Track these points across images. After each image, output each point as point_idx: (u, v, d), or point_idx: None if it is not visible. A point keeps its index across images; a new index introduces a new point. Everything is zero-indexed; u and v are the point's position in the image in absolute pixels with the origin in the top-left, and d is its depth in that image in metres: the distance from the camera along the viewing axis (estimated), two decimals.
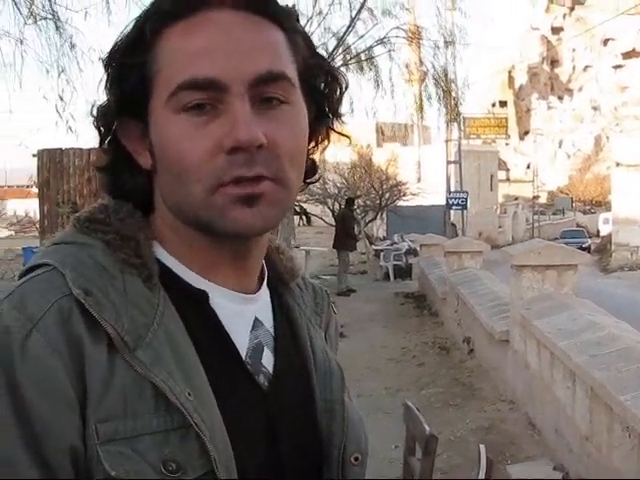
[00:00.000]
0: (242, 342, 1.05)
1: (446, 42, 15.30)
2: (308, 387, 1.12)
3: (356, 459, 1.13)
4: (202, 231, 1.00)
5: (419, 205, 34.12)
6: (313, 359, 1.14)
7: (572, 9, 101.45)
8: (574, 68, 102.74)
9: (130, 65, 0.99)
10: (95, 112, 1.04)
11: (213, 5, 0.98)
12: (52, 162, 11.08)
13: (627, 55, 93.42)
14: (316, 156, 1.13)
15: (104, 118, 1.03)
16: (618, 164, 40.63)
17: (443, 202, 35.36)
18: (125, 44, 1.00)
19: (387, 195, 31.03)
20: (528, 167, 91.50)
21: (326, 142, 1.12)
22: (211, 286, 1.03)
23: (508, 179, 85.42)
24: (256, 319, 1.08)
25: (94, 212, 1.04)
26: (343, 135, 1.18)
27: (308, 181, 1.11)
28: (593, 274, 30.32)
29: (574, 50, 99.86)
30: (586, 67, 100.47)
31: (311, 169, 1.10)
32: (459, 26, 16.18)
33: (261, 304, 1.10)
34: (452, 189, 36.76)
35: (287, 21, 1.03)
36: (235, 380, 1.02)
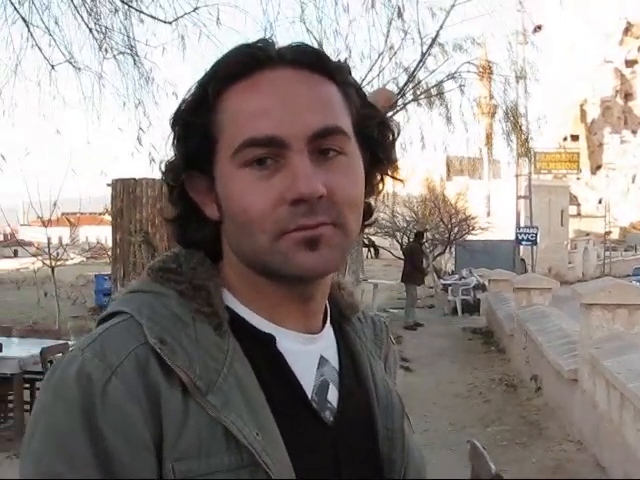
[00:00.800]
0: (308, 381, 1.09)
1: (517, 77, 15.25)
2: (370, 418, 1.17)
3: None
4: (268, 276, 1.06)
5: (488, 240, 33.86)
6: (375, 391, 1.19)
7: None
8: None
9: (195, 125, 1.06)
10: (163, 167, 1.12)
11: (269, 65, 1.05)
12: (125, 191, 11.34)
13: None
14: (372, 200, 1.19)
15: (172, 173, 1.11)
16: None
17: (512, 237, 35.02)
18: (189, 105, 1.07)
19: (456, 229, 30.91)
20: (600, 202, 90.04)
21: (381, 186, 1.18)
22: (278, 329, 1.09)
23: (579, 214, 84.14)
24: (321, 357, 1.13)
25: (167, 261, 1.11)
26: (397, 179, 1.24)
27: (366, 223, 1.16)
28: None
29: None
30: None
31: (367, 212, 1.15)
32: (530, 61, 16.12)
33: (326, 342, 1.15)
34: (522, 224, 36.42)
35: (339, 75, 1.09)
36: (301, 418, 1.06)
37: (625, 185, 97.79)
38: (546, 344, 9.70)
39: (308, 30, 9.03)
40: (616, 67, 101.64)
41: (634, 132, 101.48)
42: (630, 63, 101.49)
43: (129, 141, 10.45)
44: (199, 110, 1.06)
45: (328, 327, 1.17)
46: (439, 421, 9.24)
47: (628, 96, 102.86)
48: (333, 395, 1.12)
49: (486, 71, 14.96)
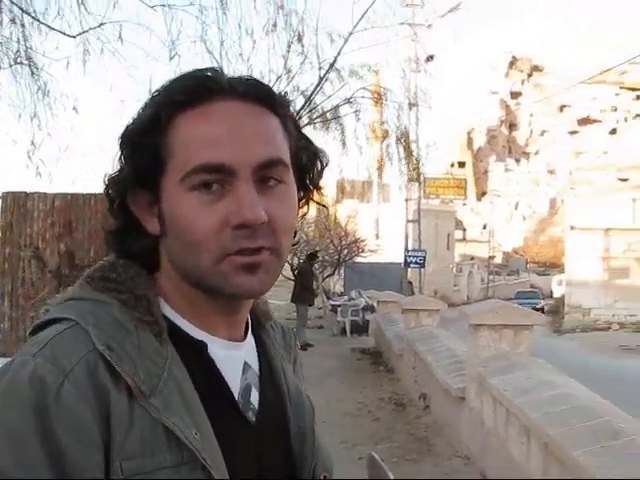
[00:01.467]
0: (235, 384, 1.20)
1: (410, 103, 15.65)
2: (284, 417, 1.28)
3: (324, 477, 1.31)
4: (204, 291, 1.15)
5: (376, 262, 34.39)
6: (287, 392, 1.31)
7: (530, 75, 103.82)
8: (531, 132, 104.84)
9: (145, 145, 1.13)
10: (107, 181, 1.19)
11: (221, 95, 1.13)
12: (16, 205, 11.04)
13: (582, 122, 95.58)
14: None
15: (116, 186, 1.17)
16: (572, 227, 41.42)
17: (400, 260, 35.64)
18: (141, 126, 1.14)
19: (345, 251, 31.29)
20: (484, 227, 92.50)
21: (305, 209, 1.30)
22: (208, 337, 1.18)
23: (464, 239, 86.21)
24: (245, 363, 1.23)
25: (105, 271, 1.18)
26: (322, 205, 1.41)
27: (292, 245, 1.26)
28: (546, 335, 30.69)
29: (532, 115, 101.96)
30: (543, 132, 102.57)
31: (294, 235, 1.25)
32: (423, 89, 16.59)
33: (248, 348, 1.26)
34: (410, 247, 37.12)
35: (282, 109, 1.19)
36: (229, 418, 1.17)
37: (509, 212, 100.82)
38: (435, 363, 9.96)
39: (209, 51, 9.07)
40: (502, 98, 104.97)
41: (517, 161, 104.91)
42: (515, 95, 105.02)
43: (22, 154, 10.26)
44: (150, 132, 1.13)
45: (250, 335, 1.28)
46: (330, 439, 9.30)
47: (512, 126, 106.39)
48: (255, 397, 1.22)
49: (380, 97, 15.32)
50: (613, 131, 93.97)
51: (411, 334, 12.90)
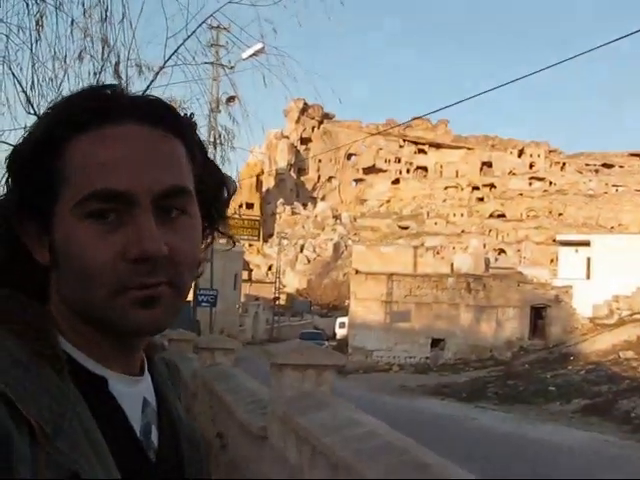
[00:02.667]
0: (136, 422, 1.12)
1: (214, 143, 15.73)
2: (179, 452, 1.21)
3: None
4: (99, 328, 1.07)
5: None
6: (180, 424, 1.24)
7: (321, 122, 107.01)
8: (319, 178, 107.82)
9: (35, 169, 1.04)
10: None
11: (120, 118, 1.05)
12: None
13: (367, 170, 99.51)
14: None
15: (2, 212, 1.08)
16: (357, 271, 42.80)
17: (189, 298, 35.40)
18: (31, 148, 1.06)
19: None
20: (270, 269, 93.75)
21: (209, 240, 1.22)
22: (107, 372, 1.09)
23: (250, 279, 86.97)
24: (144, 399, 1.16)
25: None
26: (229, 237, 1.29)
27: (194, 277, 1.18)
28: None
29: (320, 161, 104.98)
30: (330, 178, 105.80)
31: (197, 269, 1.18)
32: (227, 128, 16.75)
33: (146, 384, 1.19)
34: (200, 286, 36.99)
35: (187, 133, 1.12)
36: (133, 458, 1.10)
37: (294, 254, 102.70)
38: (234, 403, 9.98)
39: (14, 74, 8.77)
40: (292, 143, 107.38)
41: (305, 205, 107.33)
42: (305, 140, 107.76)
43: None
44: (41, 154, 1.05)
45: (146, 370, 1.21)
46: None
47: (301, 171, 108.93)
48: (154, 435, 1.15)
49: None
50: (396, 181, 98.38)
51: (207, 372, 12.85)
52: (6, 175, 1.08)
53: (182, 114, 1.15)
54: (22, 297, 1.07)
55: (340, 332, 56.28)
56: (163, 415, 1.20)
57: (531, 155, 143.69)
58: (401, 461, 5.14)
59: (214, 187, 1.18)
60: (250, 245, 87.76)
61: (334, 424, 6.54)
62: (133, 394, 1.13)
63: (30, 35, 9.02)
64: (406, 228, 56.34)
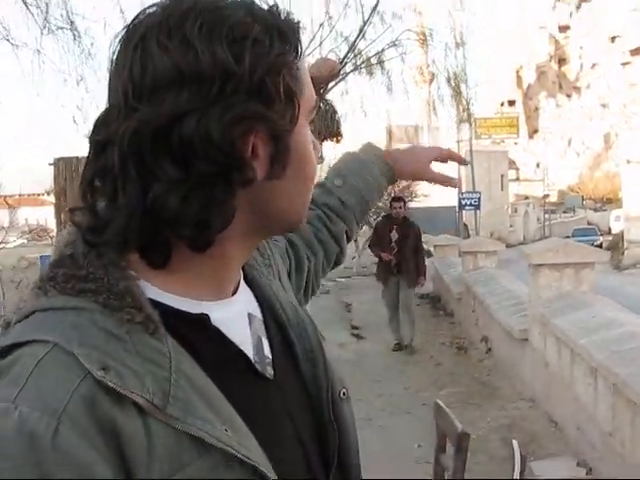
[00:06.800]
0: (247, 343, 1.07)
1: (457, 43, 15.35)
2: (289, 343, 1.17)
3: (343, 394, 1.19)
4: (270, 234, 1.16)
5: (430, 206, 34.13)
6: (284, 314, 1.18)
7: (579, 7, 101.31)
8: (582, 66, 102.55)
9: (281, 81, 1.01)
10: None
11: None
12: (68, 170, 11.13)
13: (635, 52, 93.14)
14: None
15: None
16: (628, 161, 40.57)
17: (453, 203, 35.33)
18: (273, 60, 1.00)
19: None
20: (538, 166, 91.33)
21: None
22: (206, 306, 1.02)
23: (518, 178, 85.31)
24: (249, 315, 1.10)
25: (69, 266, 0.97)
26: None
27: None
28: (606, 271, 30.23)
29: (582, 48, 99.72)
30: (594, 65, 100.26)
31: None
32: (469, 27, 16.21)
33: (246, 295, 1.13)
34: (463, 189, 36.80)
35: None
36: (251, 386, 1.05)
37: (561, 149, 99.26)
38: (495, 306, 9.86)
39: None
40: (550, 33, 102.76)
41: (569, 96, 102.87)
42: (563, 29, 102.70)
43: (71, 118, 10.30)
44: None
45: (241, 281, 1.14)
46: (393, 385, 9.36)
47: (562, 61, 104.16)
48: (267, 348, 1.10)
49: (426, 38, 15.03)
50: None
51: (470, 277, 12.80)
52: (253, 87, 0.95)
53: None
54: (100, 248, 0.96)
55: (615, 226, 53.84)
56: (269, 321, 1.15)
57: None
58: None
59: None
60: (515, 143, 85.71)
61: (593, 325, 6.25)
62: (237, 315, 1.08)
63: None
64: None
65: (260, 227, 1.04)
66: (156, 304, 0.96)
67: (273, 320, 1.16)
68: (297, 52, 1.01)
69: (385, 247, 11.62)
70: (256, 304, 1.14)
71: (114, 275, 0.94)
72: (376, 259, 12.49)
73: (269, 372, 1.08)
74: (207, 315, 1.01)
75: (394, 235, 11.64)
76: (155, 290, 0.98)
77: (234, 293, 1.09)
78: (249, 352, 1.06)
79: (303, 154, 1.04)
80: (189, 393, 0.92)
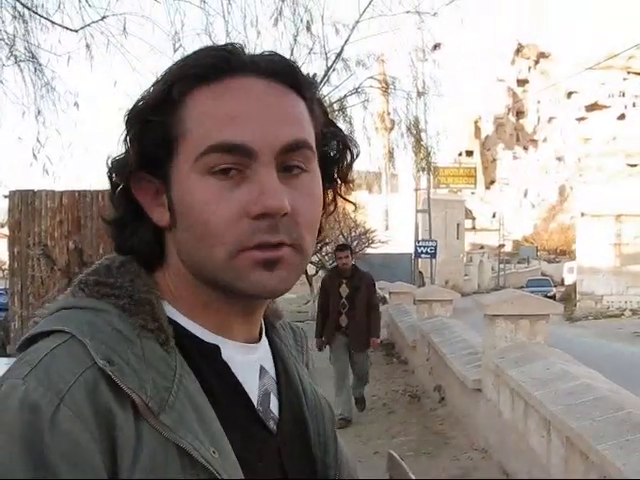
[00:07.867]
0: (253, 391, 1.08)
1: (418, 92, 15.51)
2: (304, 424, 1.17)
3: None
4: (217, 290, 1.03)
5: (387, 253, 34.29)
6: (304, 397, 1.19)
7: (537, 62, 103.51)
8: (539, 119, 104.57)
9: (154, 123, 1.00)
10: (110, 164, 1.05)
11: (241, 71, 1.01)
12: (24, 203, 11.03)
13: (590, 108, 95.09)
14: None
15: (120, 171, 1.04)
16: (582, 214, 41.21)
17: (410, 250, 35.53)
18: (151, 103, 1.01)
19: (355, 242, 31.21)
20: (494, 216, 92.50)
21: (332, 207, 1.16)
22: (222, 340, 1.06)
23: (474, 228, 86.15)
24: (261, 367, 1.11)
25: (101, 274, 1.05)
26: (349, 202, 1.22)
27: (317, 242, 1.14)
28: (559, 323, 30.56)
29: (539, 102, 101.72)
30: (550, 119, 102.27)
31: (319, 232, 1.12)
32: (432, 77, 16.42)
33: (263, 351, 1.14)
34: (420, 237, 37.03)
35: (308, 90, 1.06)
36: (250, 428, 1.05)
37: (517, 200, 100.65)
38: (450, 355, 9.86)
39: (213, 42, 8.97)
40: (508, 86, 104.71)
41: (525, 148, 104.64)
42: (521, 82, 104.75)
43: (29, 151, 10.20)
44: (161, 108, 1.00)
45: (264, 337, 1.16)
46: (344, 433, 9.27)
47: (520, 114, 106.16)
48: (274, 404, 1.11)
49: (388, 86, 15.18)
50: (621, 116, 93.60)
51: (425, 325, 12.81)
52: (125, 133, 1.04)
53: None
54: (133, 265, 1.06)
55: (569, 278, 54.46)
56: (283, 384, 1.15)
57: None
58: (615, 417, 4.81)
59: (337, 148, 1.12)
60: (473, 193, 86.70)
61: (547, 377, 6.26)
62: (249, 362, 1.10)
63: (222, 3, 9.16)
64: (635, 166, 53.50)
65: (191, 273, 1.05)
66: (174, 323, 1.03)
67: (289, 390, 1.17)
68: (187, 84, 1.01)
69: (335, 305, 10.11)
70: (272, 365, 1.16)
71: (139, 287, 1.03)
72: None
73: (272, 426, 1.09)
74: (219, 347, 1.05)
75: (344, 290, 10.09)
76: (175, 312, 1.05)
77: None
78: (253, 399, 1.08)
79: (189, 207, 1.00)
80: (186, 407, 0.95)
